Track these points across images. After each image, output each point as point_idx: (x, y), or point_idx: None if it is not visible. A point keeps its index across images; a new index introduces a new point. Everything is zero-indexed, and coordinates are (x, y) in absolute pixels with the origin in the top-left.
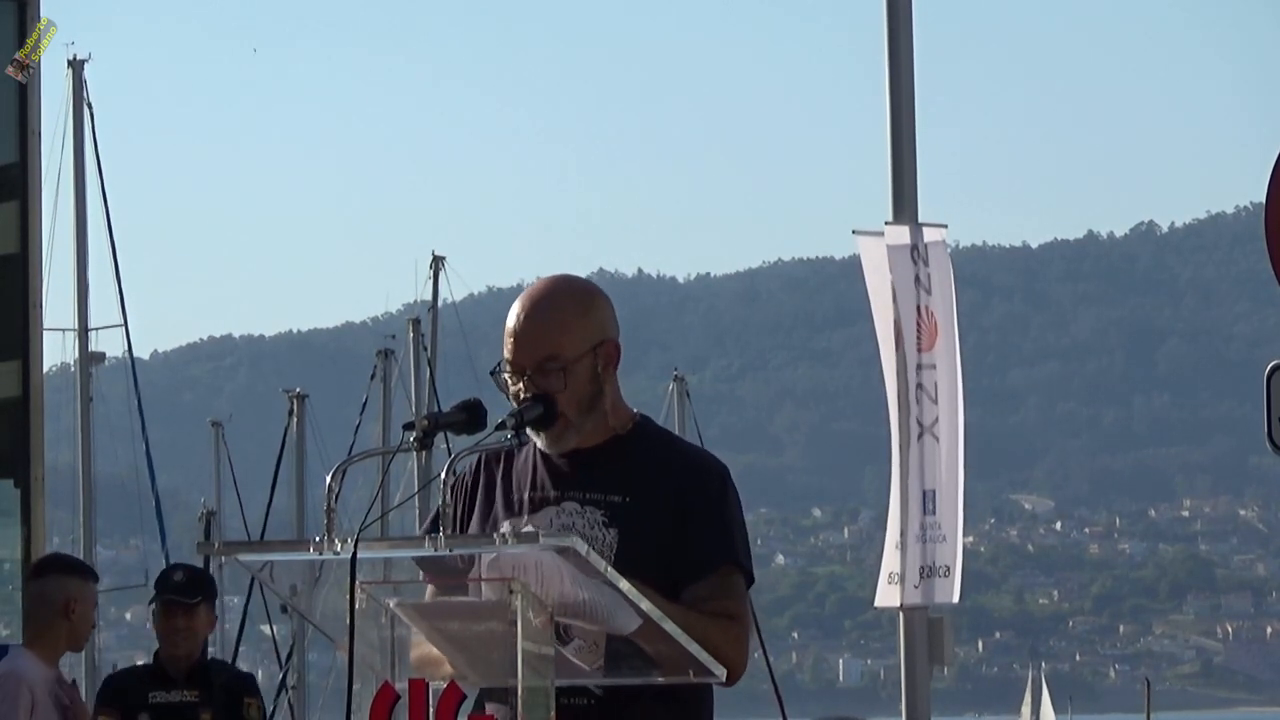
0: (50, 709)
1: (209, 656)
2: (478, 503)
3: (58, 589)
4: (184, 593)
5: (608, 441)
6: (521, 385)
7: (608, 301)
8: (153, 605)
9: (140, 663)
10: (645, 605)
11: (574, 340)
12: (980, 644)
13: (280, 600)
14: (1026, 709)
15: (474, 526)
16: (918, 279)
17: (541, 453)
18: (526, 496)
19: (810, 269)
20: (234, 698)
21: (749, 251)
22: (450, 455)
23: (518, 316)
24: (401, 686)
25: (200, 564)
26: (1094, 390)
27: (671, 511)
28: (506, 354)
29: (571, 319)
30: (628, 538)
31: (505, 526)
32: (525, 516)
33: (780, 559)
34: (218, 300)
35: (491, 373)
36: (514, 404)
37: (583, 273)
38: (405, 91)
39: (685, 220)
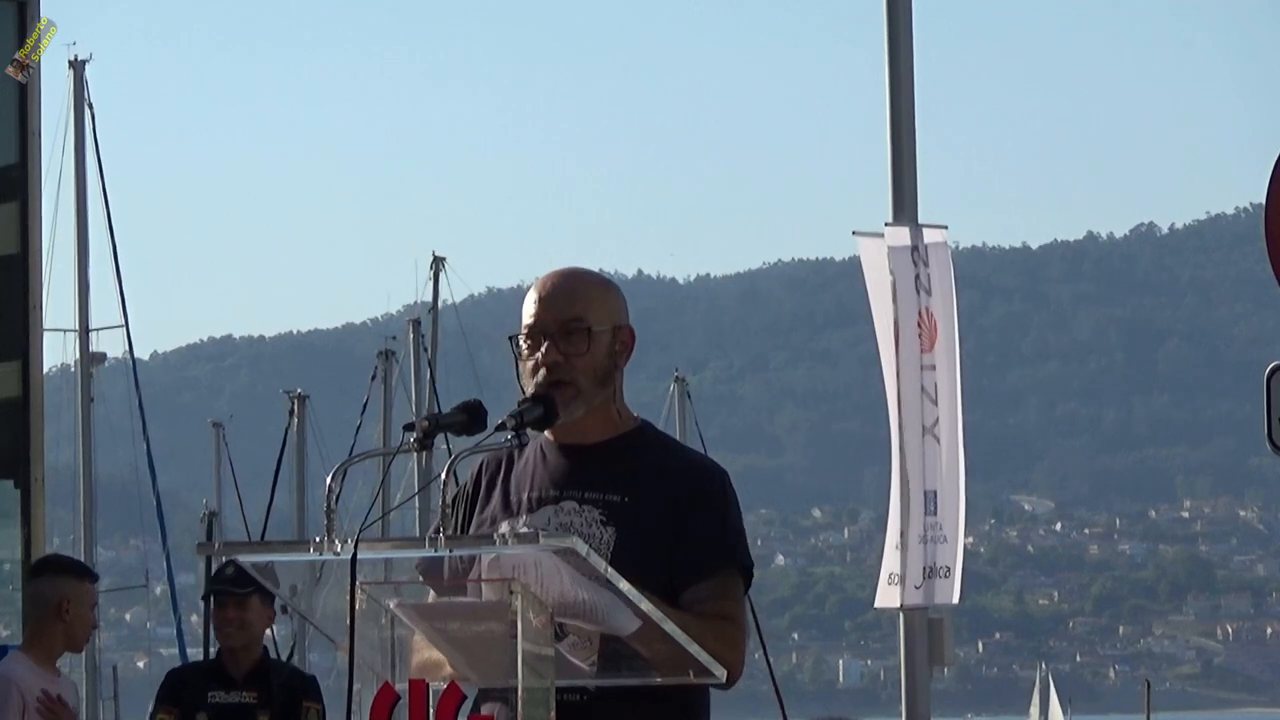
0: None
1: (271, 657)
2: (476, 506)
3: (52, 590)
4: (235, 583)
5: (609, 440)
6: (544, 349)
7: (625, 298)
8: (208, 600)
9: (203, 659)
10: (645, 606)
11: (598, 310)
12: (980, 645)
13: (280, 601)
14: (1035, 709)
15: (474, 528)
16: (918, 280)
17: (542, 453)
18: (526, 496)
19: (810, 269)
20: (292, 700)
21: (749, 251)
22: (450, 456)
23: (543, 283)
24: (401, 687)
25: (202, 565)
26: (1094, 390)
27: (671, 513)
28: (529, 319)
29: (598, 292)
30: (625, 537)
31: (504, 527)
32: (524, 516)
33: (780, 559)
34: (218, 300)
35: (510, 338)
36: (528, 376)
37: None
38: (405, 91)
39: (685, 220)
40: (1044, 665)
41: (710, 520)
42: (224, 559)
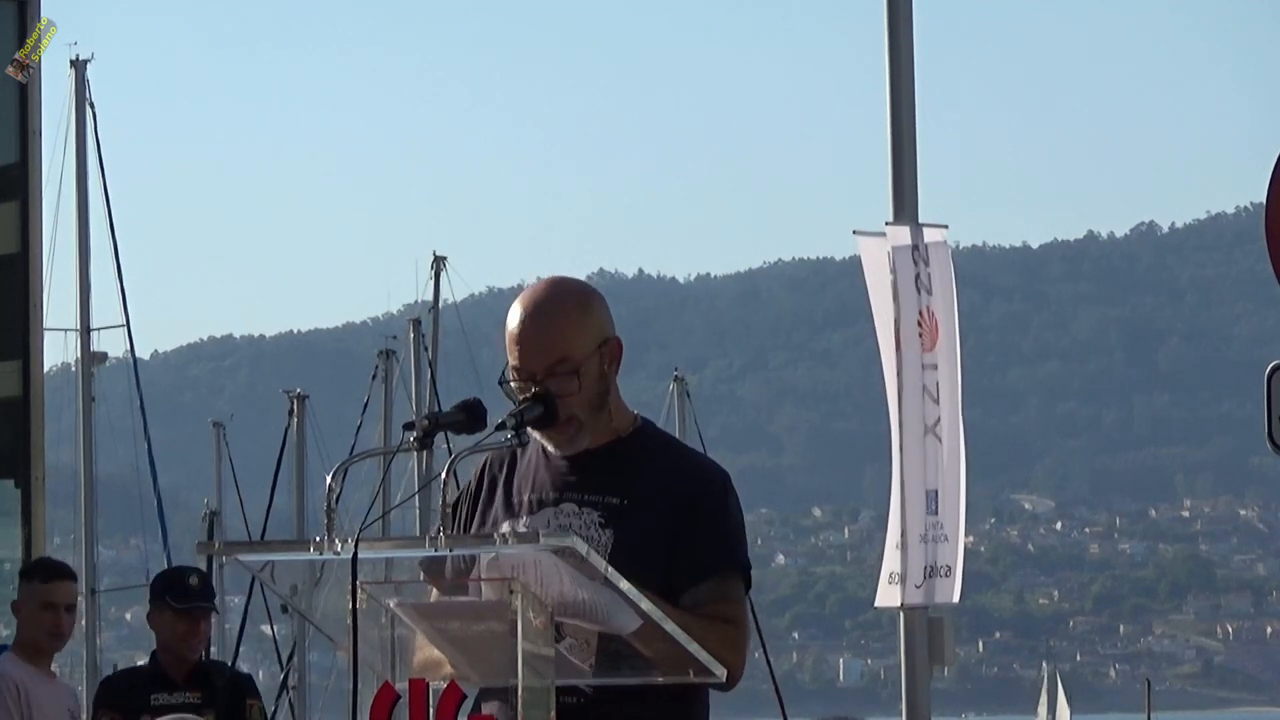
0: (51, 710)
1: (206, 657)
2: (480, 505)
3: (18, 593)
4: (205, 597)
5: (609, 443)
6: (534, 392)
7: (604, 300)
8: (165, 611)
9: (139, 663)
10: (645, 605)
11: (582, 341)
12: (980, 644)
13: (281, 600)
14: (1043, 709)
15: (475, 528)
16: (918, 279)
17: (544, 455)
18: (527, 498)
19: (810, 269)
20: (236, 699)
21: (749, 251)
22: (450, 455)
23: (521, 322)
24: (402, 686)
25: (203, 565)
26: (1094, 390)
27: (671, 515)
28: (514, 361)
29: (577, 320)
30: (623, 540)
31: (505, 527)
32: (524, 518)
33: (780, 559)
34: (218, 300)
35: (500, 382)
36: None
37: (583, 273)
38: (405, 91)
39: (685, 220)
40: (1051, 664)
41: (710, 523)
42: (190, 567)
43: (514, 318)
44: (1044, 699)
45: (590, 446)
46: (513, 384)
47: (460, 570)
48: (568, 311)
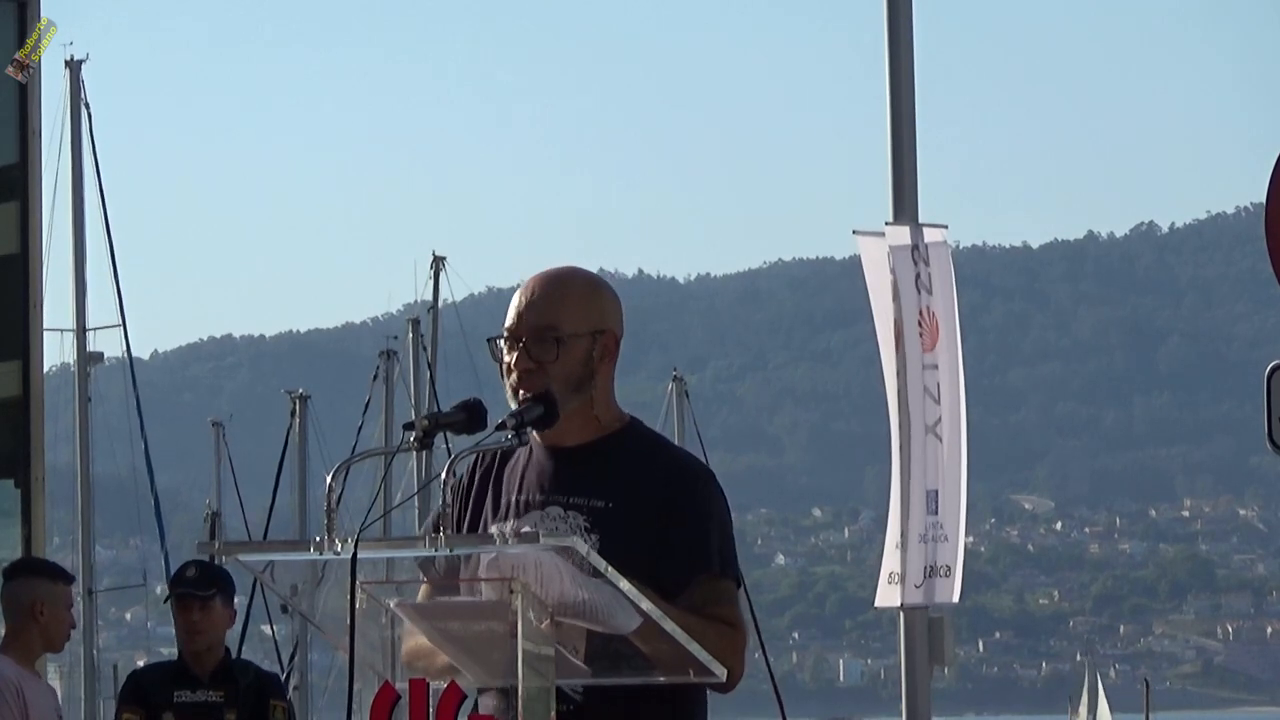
0: (43, 709)
1: (234, 656)
2: (470, 506)
3: (25, 591)
4: (198, 586)
5: (595, 441)
6: (515, 355)
7: (616, 298)
8: (168, 603)
9: (165, 660)
10: (645, 605)
11: (574, 317)
12: (980, 644)
13: (281, 600)
14: (1083, 709)
15: (468, 528)
16: (918, 279)
17: (530, 453)
18: (514, 499)
19: (810, 269)
20: (259, 699)
21: (749, 251)
22: (450, 455)
23: (525, 288)
24: (402, 686)
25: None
26: (1094, 390)
27: (655, 516)
28: (507, 323)
29: (576, 298)
30: (609, 543)
31: (495, 529)
32: (511, 520)
33: (780, 559)
34: (218, 300)
35: (489, 340)
36: (505, 377)
37: None
38: (405, 91)
39: (685, 220)
40: (1092, 669)
41: (692, 524)
42: (200, 560)
43: (523, 287)
44: (1085, 699)
45: (574, 443)
46: (501, 343)
47: (453, 568)
48: (570, 289)
